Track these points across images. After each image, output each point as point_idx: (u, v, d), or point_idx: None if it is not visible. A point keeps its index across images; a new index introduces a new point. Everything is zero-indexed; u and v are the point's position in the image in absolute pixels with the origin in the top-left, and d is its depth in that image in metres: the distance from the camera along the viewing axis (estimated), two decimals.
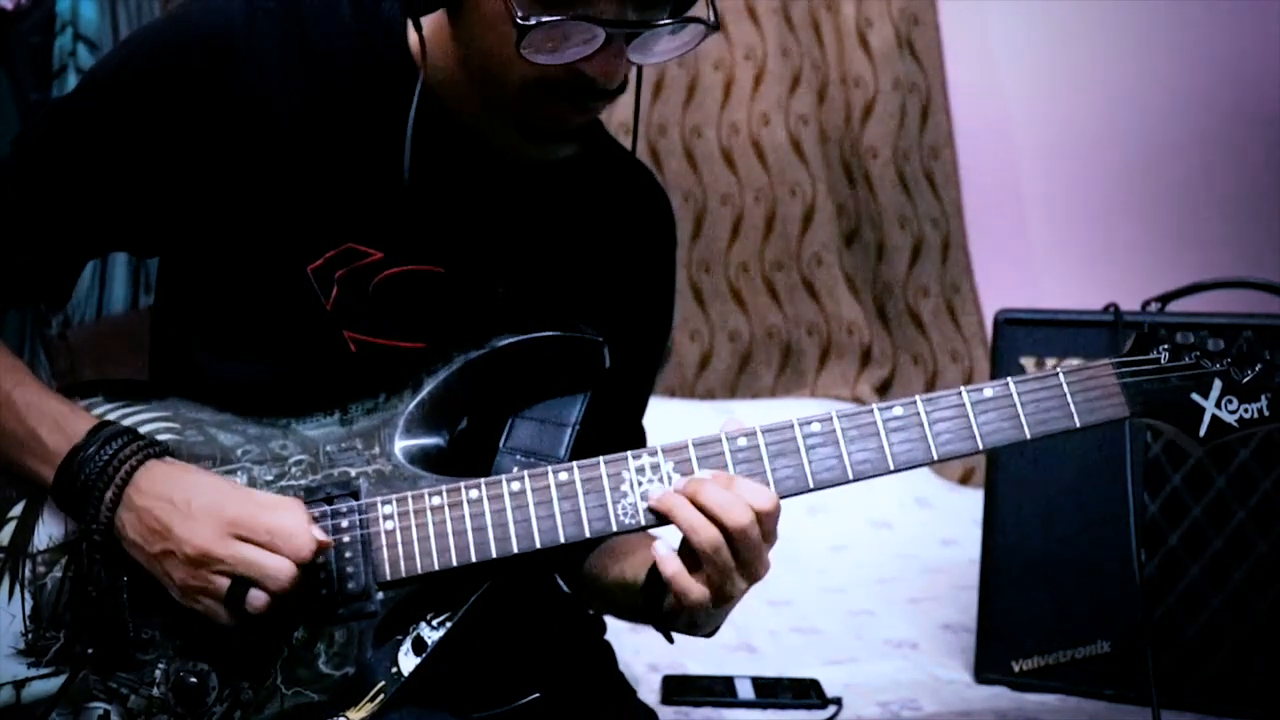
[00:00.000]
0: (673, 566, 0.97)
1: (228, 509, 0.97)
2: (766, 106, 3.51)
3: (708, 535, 0.95)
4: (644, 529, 1.00)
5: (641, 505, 0.99)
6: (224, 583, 0.95)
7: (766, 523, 0.97)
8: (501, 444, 1.09)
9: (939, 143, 3.44)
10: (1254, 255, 2.88)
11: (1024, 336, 1.99)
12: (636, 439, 1.24)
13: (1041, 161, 3.39)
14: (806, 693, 1.97)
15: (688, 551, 0.97)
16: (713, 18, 1.00)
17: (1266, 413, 1.04)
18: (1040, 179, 3.39)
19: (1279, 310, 1.93)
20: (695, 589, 0.97)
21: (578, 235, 1.17)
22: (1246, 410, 1.04)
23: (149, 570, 0.99)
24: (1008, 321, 2.01)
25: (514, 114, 1.04)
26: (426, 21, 1.04)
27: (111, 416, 1.05)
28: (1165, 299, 1.93)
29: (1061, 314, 2.01)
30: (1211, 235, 3.12)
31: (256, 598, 0.95)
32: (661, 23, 0.98)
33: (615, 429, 1.17)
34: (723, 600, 0.98)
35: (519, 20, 0.94)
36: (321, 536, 0.98)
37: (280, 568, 0.95)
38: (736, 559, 0.97)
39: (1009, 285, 3.25)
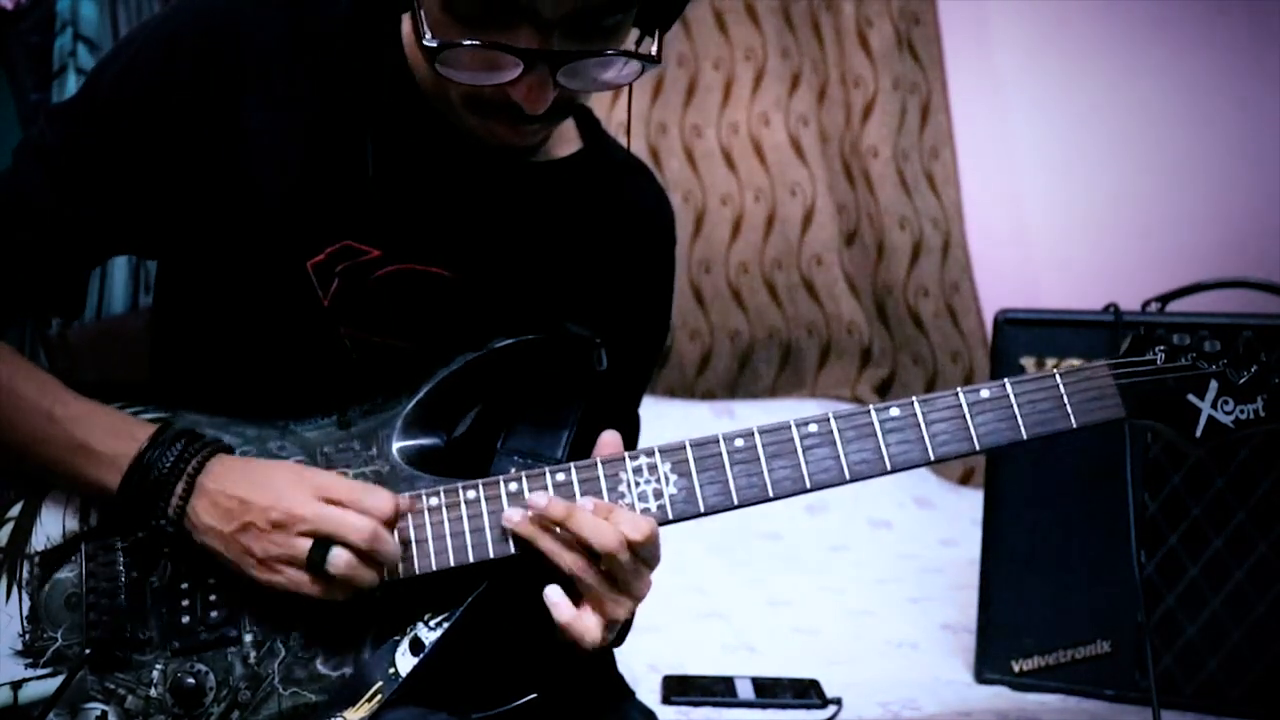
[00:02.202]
0: (566, 614, 0.98)
1: (311, 476, 0.98)
2: (766, 106, 3.51)
3: (570, 559, 0.97)
4: (509, 556, 1.00)
5: (500, 530, 1.00)
6: (305, 544, 0.95)
7: (642, 550, 0.98)
8: (499, 445, 1.08)
9: (939, 143, 3.44)
10: (1254, 255, 2.88)
11: (1024, 336, 1.99)
12: (630, 435, 1.24)
13: (1041, 161, 3.39)
14: (806, 693, 1.97)
15: (558, 573, 0.98)
16: (655, 51, 0.98)
17: (1263, 413, 1.04)
18: (1040, 179, 3.39)
19: (1279, 310, 1.93)
20: (590, 630, 0.97)
21: (576, 234, 1.17)
22: (1243, 411, 1.05)
23: (225, 554, 0.98)
24: (1008, 321, 2.01)
25: (462, 124, 1.04)
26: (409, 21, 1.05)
27: None
28: (1165, 299, 1.93)
29: (1061, 314, 2.01)
30: (1211, 235, 3.12)
31: (339, 556, 0.95)
32: (542, 49, 0.92)
33: (609, 426, 1.17)
34: (612, 623, 0.99)
35: (424, 43, 0.93)
36: (403, 498, 0.98)
37: (363, 524, 0.95)
38: (611, 581, 0.98)
39: (1009, 285, 3.25)
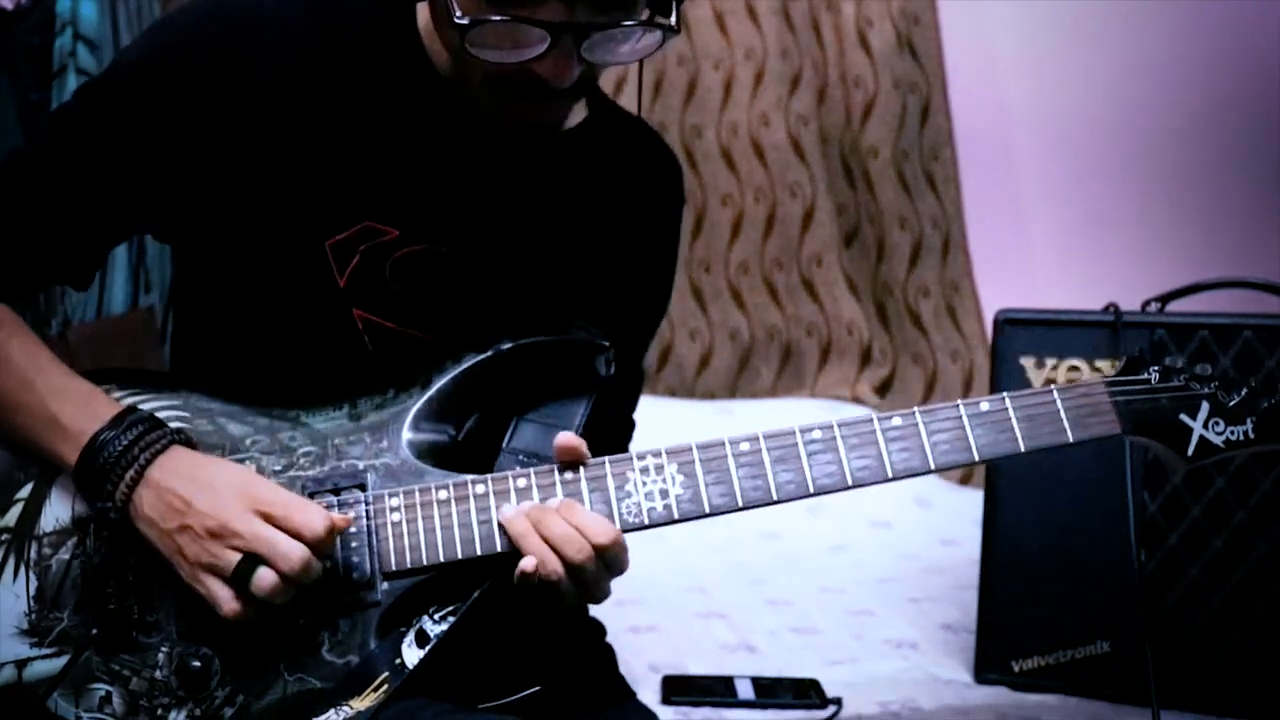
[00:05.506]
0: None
1: (253, 488, 0.99)
2: (766, 106, 3.51)
3: (552, 567, 0.98)
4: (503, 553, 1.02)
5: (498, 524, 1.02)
6: (234, 558, 0.96)
7: (606, 555, 1.00)
8: (504, 444, 1.09)
9: (939, 143, 3.44)
10: (1254, 255, 2.88)
11: (1024, 336, 1.99)
12: (624, 431, 1.26)
13: (1041, 161, 3.39)
14: (806, 693, 1.97)
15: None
16: (674, 21, 1.00)
17: (1252, 435, 1.09)
18: (1040, 179, 3.39)
19: (1279, 310, 1.93)
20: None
21: (589, 200, 1.19)
22: (1233, 433, 1.09)
23: (160, 549, 0.99)
24: (1008, 321, 2.02)
25: (482, 108, 1.06)
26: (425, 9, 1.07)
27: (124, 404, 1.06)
28: (1165, 299, 1.93)
29: (1061, 314, 2.01)
30: (1211, 235, 3.13)
31: (263, 577, 0.96)
32: (592, 23, 0.96)
33: (613, 418, 1.18)
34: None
35: (456, 20, 0.96)
36: (338, 517, 0.99)
37: (292, 548, 0.96)
38: (576, 585, 1.00)
39: (1009, 285, 3.25)
